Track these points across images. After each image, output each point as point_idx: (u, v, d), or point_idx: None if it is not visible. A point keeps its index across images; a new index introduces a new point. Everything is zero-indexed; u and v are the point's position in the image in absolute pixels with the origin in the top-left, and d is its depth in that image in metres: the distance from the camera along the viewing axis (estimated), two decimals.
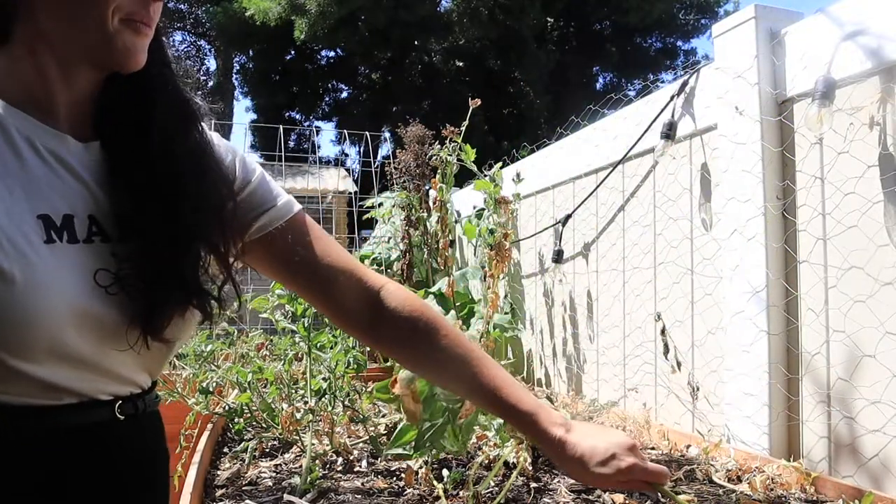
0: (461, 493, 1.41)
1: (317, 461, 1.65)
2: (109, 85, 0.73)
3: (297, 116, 16.12)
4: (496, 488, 1.44)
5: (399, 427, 1.57)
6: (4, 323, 0.61)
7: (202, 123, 0.78)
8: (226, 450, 1.83)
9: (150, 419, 0.80)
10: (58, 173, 0.69)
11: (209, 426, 1.90)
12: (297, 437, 1.84)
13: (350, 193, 7.25)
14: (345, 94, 16.16)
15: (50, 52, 0.68)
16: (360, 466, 1.68)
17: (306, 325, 1.97)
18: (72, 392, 0.68)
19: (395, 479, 1.57)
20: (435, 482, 1.43)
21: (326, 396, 1.94)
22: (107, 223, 0.71)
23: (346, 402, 2.00)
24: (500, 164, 3.02)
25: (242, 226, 0.82)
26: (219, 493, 1.47)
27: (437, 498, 1.38)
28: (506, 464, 1.53)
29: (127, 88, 0.73)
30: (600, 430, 0.88)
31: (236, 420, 1.94)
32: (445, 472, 1.49)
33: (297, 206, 0.87)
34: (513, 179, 2.93)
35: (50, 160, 0.69)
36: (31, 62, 0.68)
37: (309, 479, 1.50)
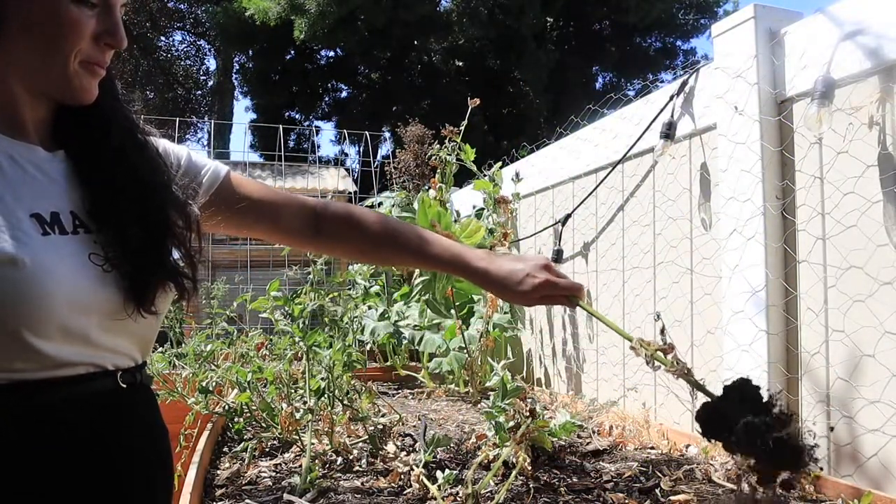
0: (460, 492, 1.41)
1: (316, 461, 1.65)
2: (68, 105, 0.85)
3: (297, 116, 16.08)
4: (495, 488, 1.44)
5: None
6: (24, 302, 0.72)
7: (150, 139, 0.93)
8: (225, 449, 1.84)
9: (146, 391, 0.92)
10: (36, 179, 0.81)
11: (209, 426, 1.90)
12: (297, 437, 1.84)
13: (350, 193, 7.25)
14: (344, 94, 16.11)
15: (20, 82, 0.80)
16: (360, 466, 1.68)
17: (301, 325, 1.98)
18: (81, 364, 0.79)
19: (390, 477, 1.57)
20: (427, 482, 1.43)
21: (325, 396, 1.94)
22: (85, 217, 0.83)
23: (346, 402, 2.00)
24: (499, 163, 3.02)
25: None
26: (218, 492, 1.47)
27: (435, 498, 1.38)
28: (505, 464, 1.53)
29: (84, 111, 0.86)
30: (518, 258, 1.09)
31: (236, 420, 1.94)
32: (440, 474, 1.49)
33: (226, 168, 1.05)
34: (512, 179, 2.93)
35: (28, 168, 0.81)
36: (2, 88, 0.80)
37: (309, 478, 1.50)
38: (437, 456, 1.66)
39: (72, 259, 0.78)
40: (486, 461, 1.54)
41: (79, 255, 0.79)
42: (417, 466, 1.52)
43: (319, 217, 1.09)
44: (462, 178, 3.42)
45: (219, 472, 1.62)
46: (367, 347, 3.49)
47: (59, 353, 0.76)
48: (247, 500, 1.38)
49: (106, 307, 0.80)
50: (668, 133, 1.97)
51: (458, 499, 1.40)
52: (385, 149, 14.89)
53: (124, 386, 0.84)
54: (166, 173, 0.91)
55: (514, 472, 1.40)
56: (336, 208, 1.11)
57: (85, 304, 0.78)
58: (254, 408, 1.97)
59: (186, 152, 1.01)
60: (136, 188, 0.86)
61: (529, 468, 1.51)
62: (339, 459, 1.72)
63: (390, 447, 1.77)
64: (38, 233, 0.77)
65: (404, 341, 3.20)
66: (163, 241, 0.87)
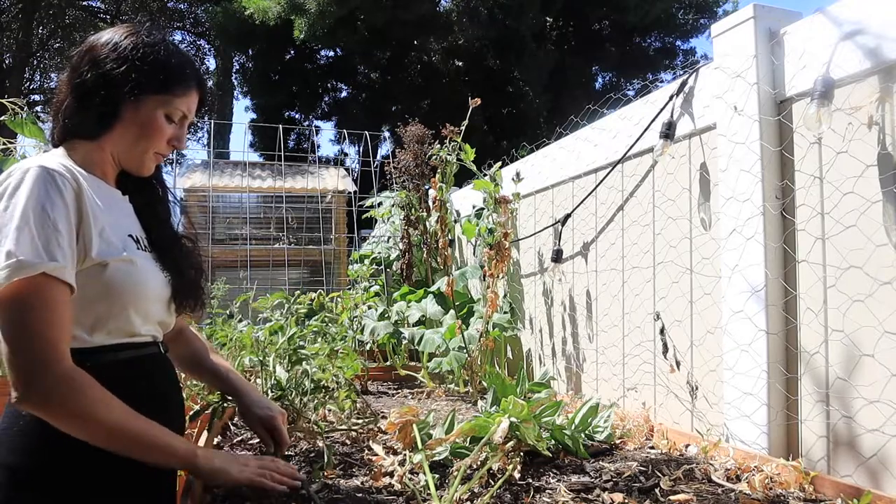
0: (457, 493, 1.41)
1: (316, 460, 1.65)
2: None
3: (297, 116, 16.06)
4: (491, 482, 1.44)
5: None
6: (135, 289, 1.13)
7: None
8: (227, 448, 1.83)
9: (167, 358, 1.31)
10: (122, 210, 1.22)
11: (210, 424, 1.90)
12: (298, 436, 1.84)
13: (349, 193, 7.24)
14: (344, 94, 16.09)
15: (112, 152, 1.21)
16: (360, 465, 1.67)
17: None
18: (148, 335, 1.21)
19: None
20: (408, 481, 1.42)
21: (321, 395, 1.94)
22: (145, 241, 1.24)
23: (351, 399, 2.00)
24: (499, 163, 3.03)
25: None
26: (219, 490, 1.47)
27: (434, 498, 1.38)
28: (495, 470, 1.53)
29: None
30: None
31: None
32: (427, 475, 1.48)
33: None
34: (512, 179, 2.93)
35: (115, 204, 1.20)
36: (102, 154, 1.21)
37: (310, 476, 1.49)
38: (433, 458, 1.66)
39: (154, 267, 1.21)
40: (476, 464, 1.54)
41: (155, 265, 1.22)
42: (401, 466, 1.52)
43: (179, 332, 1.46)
44: (462, 178, 3.42)
45: None
46: (367, 347, 3.49)
47: (140, 327, 1.16)
48: (246, 502, 1.38)
49: (166, 301, 1.24)
50: (668, 133, 1.97)
51: (457, 496, 1.39)
52: (385, 149, 14.90)
53: (163, 351, 1.27)
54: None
55: (510, 469, 1.40)
56: (187, 335, 1.49)
57: (160, 297, 1.21)
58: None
59: None
60: (171, 225, 1.33)
61: (517, 474, 1.51)
62: (340, 459, 1.71)
63: (377, 447, 1.77)
64: (136, 247, 1.17)
65: (404, 341, 3.21)
66: (188, 259, 1.32)
